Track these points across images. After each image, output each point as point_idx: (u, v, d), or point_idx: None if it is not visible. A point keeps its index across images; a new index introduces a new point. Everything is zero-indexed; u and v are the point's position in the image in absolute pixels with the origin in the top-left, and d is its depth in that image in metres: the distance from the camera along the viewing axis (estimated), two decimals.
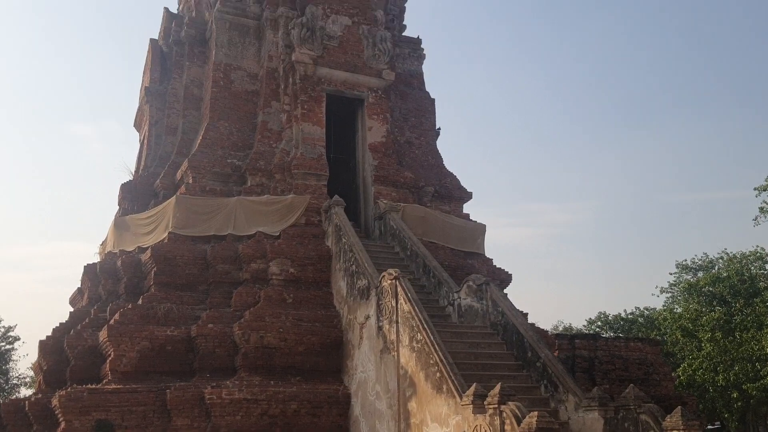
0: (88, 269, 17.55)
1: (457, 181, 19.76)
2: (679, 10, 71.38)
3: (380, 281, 13.43)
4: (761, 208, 26.22)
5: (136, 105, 21.40)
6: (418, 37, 21.15)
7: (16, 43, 67.78)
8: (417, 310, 12.23)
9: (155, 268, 15.42)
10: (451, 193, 19.43)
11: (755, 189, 26.27)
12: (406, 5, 21.23)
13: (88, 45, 70.46)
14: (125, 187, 18.61)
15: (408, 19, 21.42)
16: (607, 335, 34.12)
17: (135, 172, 20.07)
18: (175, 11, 21.98)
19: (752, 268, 29.80)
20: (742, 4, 69.01)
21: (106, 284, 16.84)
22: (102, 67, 68.88)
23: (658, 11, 71.14)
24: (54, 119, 67.46)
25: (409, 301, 12.44)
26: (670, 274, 33.67)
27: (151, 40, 20.84)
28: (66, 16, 69.60)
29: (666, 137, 69.16)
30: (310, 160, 17.27)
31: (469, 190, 19.70)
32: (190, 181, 17.02)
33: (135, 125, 21.78)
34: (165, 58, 20.33)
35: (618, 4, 73.19)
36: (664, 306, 34.58)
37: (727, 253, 31.60)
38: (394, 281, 12.94)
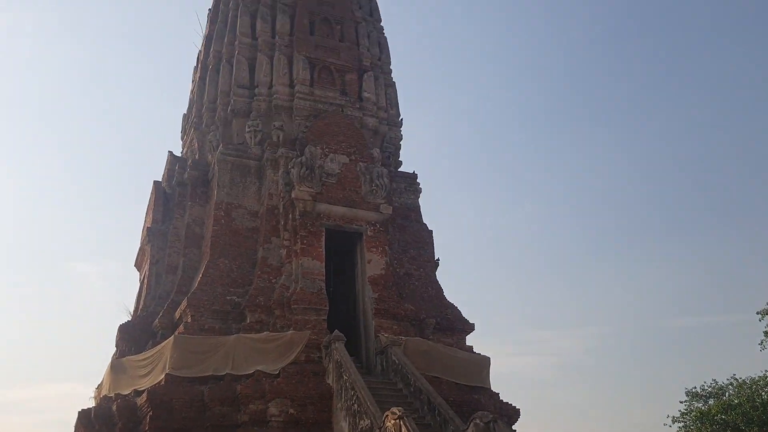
0: (83, 415, 16.96)
1: (459, 312, 19.65)
2: (680, 132, 74.13)
3: (383, 421, 12.96)
4: (766, 332, 25.94)
5: (138, 245, 21.67)
6: (413, 172, 21.90)
7: (24, 184, 69.61)
8: None
9: (151, 413, 14.91)
10: (454, 325, 19.25)
11: (758, 313, 26.16)
12: (401, 143, 22.17)
13: (93, 187, 72.38)
14: (123, 328, 18.42)
15: (404, 155, 22.30)
16: None
17: (134, 312, 19.98)
18: (179, 154, 22.85)
19: (763, 393, 28.99)
20: (742, 130, 71.78)
21: (100, 431, 16.23)
22: (108, 206, 70.29)
23: (659, 134, 73.73)
24: (58, 258, 67.94)
25: None
26: (681, 402, 32.69)
27: (155, 182, 21.48)
28: (71, 160, 72.01)
29: (666, 261, 69.52)
30: (309, 295, 17.25)
31: (471, 321, 19.57)
32: (189, 319, 16.89)
33: (136, 265, 21.93)
34: (167, 199, 20.85)
35: (615, 126, 76.11)
36: None
37: (736, 379, 30.84)
38: (398, 421, 12.50)
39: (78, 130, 71.05)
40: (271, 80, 20.92)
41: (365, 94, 21.61)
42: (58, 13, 70.83)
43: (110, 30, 71.76)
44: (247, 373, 15.98)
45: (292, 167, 18.83)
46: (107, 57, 71.86)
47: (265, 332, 16.67)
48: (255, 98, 20.67)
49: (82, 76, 71.37)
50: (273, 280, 17.82)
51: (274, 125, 20.09)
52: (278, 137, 19.83)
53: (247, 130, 20.31)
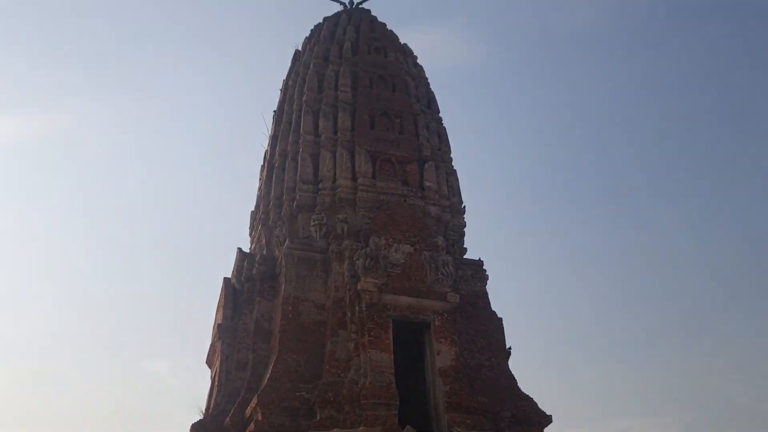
0: None
1: (535, 404, 18.82)
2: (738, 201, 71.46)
3: None
4: None
5: (209, 341, 21.95)
6: (479, 258, 21.66)
7: (95, 284, 72.50)
8: None
9: None
10: (530, 418, 18.41)
11: None
12: (465, 230, 22.09)
13: (166, 285, 74.66)
14: (195, 427, 18.42)
15: (468, 242, 22.16)
16: None
17: (205, 410, 20.01)
18: (248, 250, 23.41)
19: None
20: None
21: None
22: (181, 304, 72.09)
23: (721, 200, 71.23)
24: (132, 357, 69.47)
25: None
26: None
27: (225, 278, 21.96)
28: (142, 258, 74.74)
29: (763, 334, 65.31)
30: (379, 389, 16.91)
31: (548, 412, 18.68)
32: (260, 417, 16.76)
33: (207, 362, 22.17)
34: (237, 295, 21.22)
35: (684, 199, 73.98)
36: None
37: None
38: None
39: (151, 229, 74.15)
40: (335, 174, 21.47)
41: (427, 183, 21.84)
42: (128, 110, 74.59)
43: (179, 131, 75.76)
44: None
45: (357, 259, 18.95)
46: (176, 160, 75.52)
47: (335, 429, 16.36)
48: (319, 193, 21.21)
49: (151, 177, 74.96)
50: (342, 375, 17.60)
51: (338, 218, 20.43)
52: (342, 229, 20.10)
53: (312, 223, 20.72)
